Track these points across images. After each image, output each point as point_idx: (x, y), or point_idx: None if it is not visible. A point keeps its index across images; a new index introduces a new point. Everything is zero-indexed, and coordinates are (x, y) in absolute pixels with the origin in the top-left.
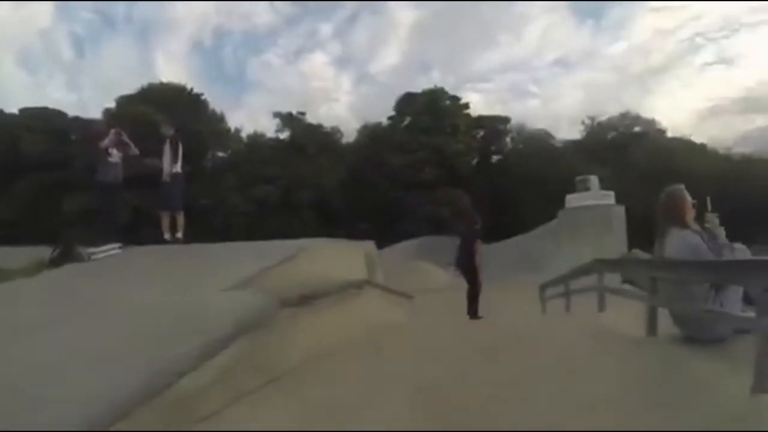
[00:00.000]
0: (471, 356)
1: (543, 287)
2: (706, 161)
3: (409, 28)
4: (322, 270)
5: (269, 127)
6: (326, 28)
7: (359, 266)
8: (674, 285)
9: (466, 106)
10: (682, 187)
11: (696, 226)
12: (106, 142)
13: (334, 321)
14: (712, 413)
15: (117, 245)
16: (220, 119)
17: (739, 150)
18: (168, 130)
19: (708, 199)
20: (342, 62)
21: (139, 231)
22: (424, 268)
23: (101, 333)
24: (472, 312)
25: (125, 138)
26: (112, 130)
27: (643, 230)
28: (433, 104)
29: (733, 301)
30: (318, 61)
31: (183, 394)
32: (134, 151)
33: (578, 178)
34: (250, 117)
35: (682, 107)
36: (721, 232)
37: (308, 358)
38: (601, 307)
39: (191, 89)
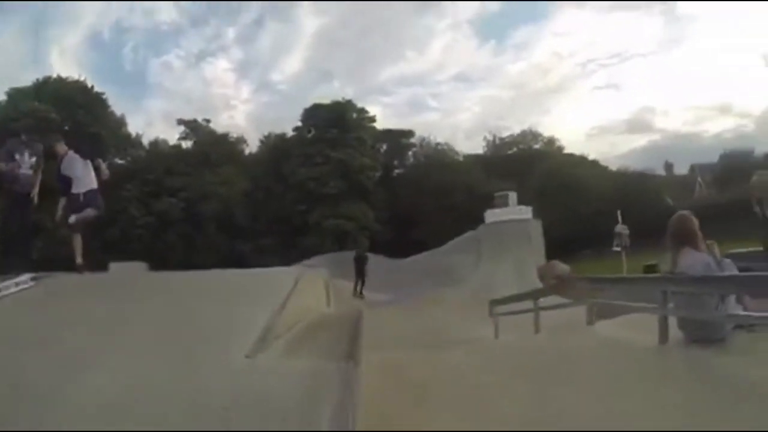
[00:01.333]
0: (529, 379)
1: (493, 303)
2: (600, 176)
3: (313, 36)
4: (310, 306)
5: (166, 132)
6: (230, 32)
7: (324, 296)
8: (687, 296)
9: (372, 119)
10: (690, 212)
11: (704, 247)
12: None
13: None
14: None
15: (28, 276)
16: (121, 123)
17: (625, 165)
18: (62, 148)
19: (618, 213)
20: (243, 68)
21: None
22: (342, 287)
23: None
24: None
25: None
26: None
27: (548, 242)
28: (340, 117)
29: (733, 305)
30: (220, 67)
31: None
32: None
33: (497, 194)
34: (148, 121)
35: (574, 126)
36: (717, 251)
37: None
38: (591, 320)
39: (92, 87)
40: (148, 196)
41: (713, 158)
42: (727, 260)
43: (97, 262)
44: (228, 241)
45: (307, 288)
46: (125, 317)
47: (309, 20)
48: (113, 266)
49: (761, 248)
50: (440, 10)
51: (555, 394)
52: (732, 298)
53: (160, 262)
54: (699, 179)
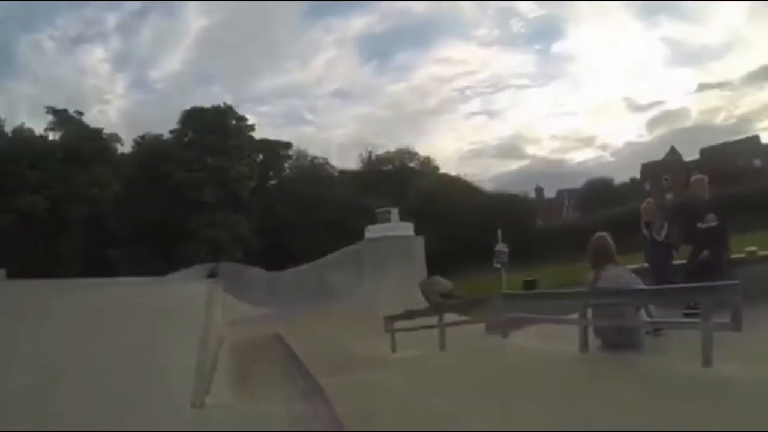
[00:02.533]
0: (481, 395)
1: (390, 320)
2: (475, 197)
3: (196, 36)
4: (220, 326)
5: (31, 120)
6: (110, 19)
7: (221, 313)
8: (608, 307)
9: (252, 127)
10: (606, 234)
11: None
12: None
13: None
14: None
15: None
16: None
17: (496, 187)
18: None
19: (499, 232)
20: (120, 61)
21: None
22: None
23: None
24: None
25: None
26: None
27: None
28: (220, 122)
29: (644, 314)
30: (96, 55)
31: None
32: None
33: (379, 209)
34: (9, 105)
35: (449, 147)
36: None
37: None
38: (505, 334)
39: None
40: (8, 191)
41: (577, 184)
42: (635, 275)
43: None
44: (97, 246)
45: (215, 306)
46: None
47: (194, 19)
48: None
49: (646, 265)
50: (327, 26)
51: (515, 408)
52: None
53: (19, 268)
54: (566, 203)
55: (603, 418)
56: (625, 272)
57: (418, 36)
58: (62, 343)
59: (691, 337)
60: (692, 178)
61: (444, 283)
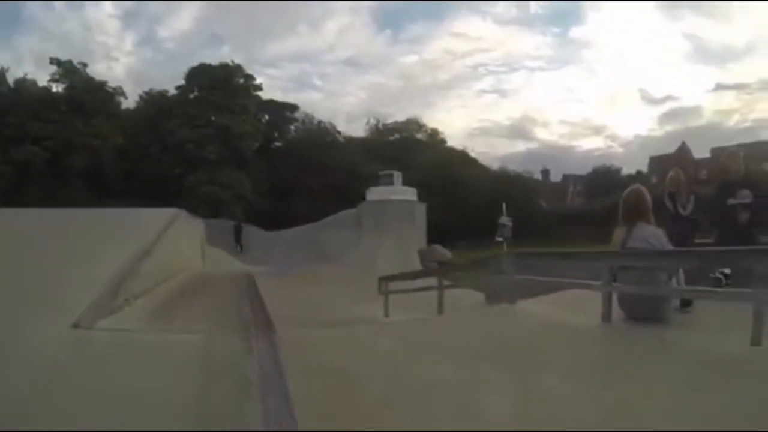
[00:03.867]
0: (498, 367)
1: (384, 281)
2: (480, 174)
3: None
4: (184, 257)
5: (36, 74)
6: None
7: (200, 250)
8: (638, 272)
9: (259, 87)
10: (643, 187)
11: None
12: None
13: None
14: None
15: None
16: None
17: (502, 166)
18: None
19: (504, 205)
20: (129, 18)
21: None
22: (214, 254)
23: None
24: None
25: None
26: None
27: (429, 229)
28: (226, 80)
29: (679, 281)
30: (104, 12)
31: None
32: None
33: (381, 172)
34: (16, 58)
35: (458, 123)
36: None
37: None
38: (513, 300)
39: None
40: (8, 141)
41: (583, 171)
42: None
43: None
44: (97, 199)
45: (182, 235)
46: None
47: None
48: None
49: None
50: None
51: (527, 380)
52: (679, 275)
53: None
54: (571, 188)
55: (643, 401)
56: (659, 231)
57: (433, 8)
58: None
59: (718, 312)
60: (725, 153)
61: (442, 251)
